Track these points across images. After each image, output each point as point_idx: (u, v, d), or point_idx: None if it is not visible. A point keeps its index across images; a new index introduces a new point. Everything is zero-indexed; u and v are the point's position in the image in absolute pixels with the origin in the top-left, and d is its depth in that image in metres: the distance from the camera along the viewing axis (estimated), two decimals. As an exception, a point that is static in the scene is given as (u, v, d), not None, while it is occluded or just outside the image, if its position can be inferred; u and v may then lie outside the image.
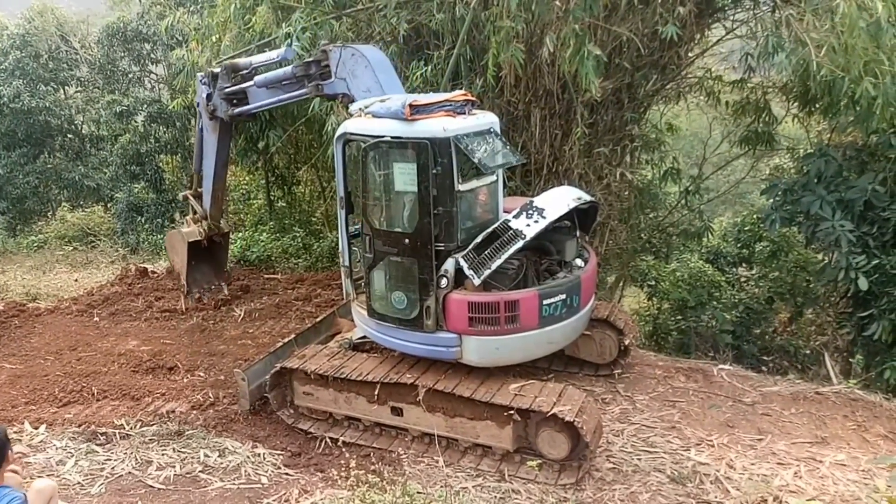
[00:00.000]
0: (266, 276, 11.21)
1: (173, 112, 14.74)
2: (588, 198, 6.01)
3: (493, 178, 5.86)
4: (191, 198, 9.49)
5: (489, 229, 5.49)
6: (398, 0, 7.98)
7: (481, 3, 7.09)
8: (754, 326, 10.31)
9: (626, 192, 9.66)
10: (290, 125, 11.03)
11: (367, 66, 6.41)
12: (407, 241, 5.56)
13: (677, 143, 12.80)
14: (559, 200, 5.71)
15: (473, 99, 5.90)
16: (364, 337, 6.50)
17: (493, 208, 5.98)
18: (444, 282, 5.46)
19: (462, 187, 5.49)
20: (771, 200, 8.03)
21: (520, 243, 5.28)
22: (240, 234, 12.76)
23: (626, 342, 6.57)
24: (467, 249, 5.45)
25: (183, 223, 9.51)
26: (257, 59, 7.77)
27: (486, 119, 5.82)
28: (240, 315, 9.25)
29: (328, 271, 11.12)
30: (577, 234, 6.25)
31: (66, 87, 17.86)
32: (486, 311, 5.38)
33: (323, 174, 13.34)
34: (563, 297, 5.57)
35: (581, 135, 7.94)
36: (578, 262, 6.06)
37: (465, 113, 5.66)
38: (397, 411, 5.82)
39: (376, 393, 5.81)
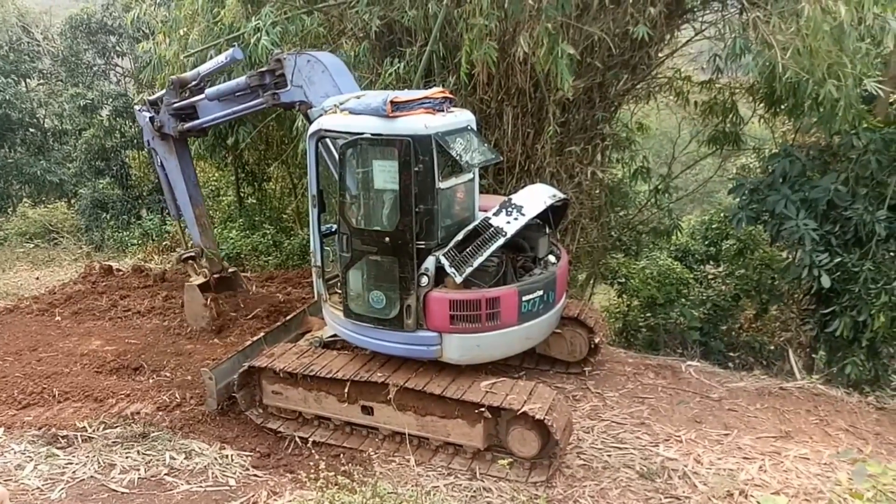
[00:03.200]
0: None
1: (139, 106, 14.41)
2: (561, 195, 6.04)
3: (470, 176, 5.88)
4: (187, 263, 8.70)
5: (470, 227, 5.49)
6: (370, -5, 7.91)
7: (454, 0, 7.07)
8: (721, 323, 10.50)
9: (597, 191, 9.73)
10: (259, 121, 10.86)
11: (323, 71, 6.33)
12: (387, 239, 5.50)
13: (647, 143, 12.94)
14: (536, 198, 5.73)
15: (451, 97, 5.89)
16: (335, 335, 6.43)
17: (470, 206, 5.99)
18: (424, 280, 5.45)
19: (442, 185, 5.48)
20: (737, 199, 8.17)
21: (501, 240, 5.29)
22: (208, 231, 12.51)
23: (597, 340, 6.62)
24: (448, 247, 5.44)
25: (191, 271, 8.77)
26: (205, 67, 7.50)
27: (464, 117, 5.82)
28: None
29: (299, 269, 11.01)
30: (548, 231, 6.27)
31: (28, 80, 17.38)
32: (467, 308, 5.39)
33: (294, 170, 13.19)
34: (541, 293, 5.64)
35: (553, 133, 7.97)
36: (551, 258, 6.13)
37: (443, 110, 5.65)
38: (368, 410, 5.77)
39: (346, 391, 5.74)
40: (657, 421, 6.01)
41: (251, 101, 6.93)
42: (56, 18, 16.88)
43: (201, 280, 8.49)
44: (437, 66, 7.99)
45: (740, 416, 6.11)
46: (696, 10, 8.69)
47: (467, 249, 5.33)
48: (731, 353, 9.79)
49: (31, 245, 14.67)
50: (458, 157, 5.34)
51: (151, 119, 7.95)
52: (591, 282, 11.86)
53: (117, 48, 16.07)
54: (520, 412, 5.08)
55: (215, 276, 8.59)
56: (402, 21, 7.90)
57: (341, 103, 5.80)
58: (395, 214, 5.46)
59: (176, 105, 7.55)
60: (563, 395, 5.89)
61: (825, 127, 7.33)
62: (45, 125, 17.80)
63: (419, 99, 5.53)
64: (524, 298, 5.52)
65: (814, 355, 8.20)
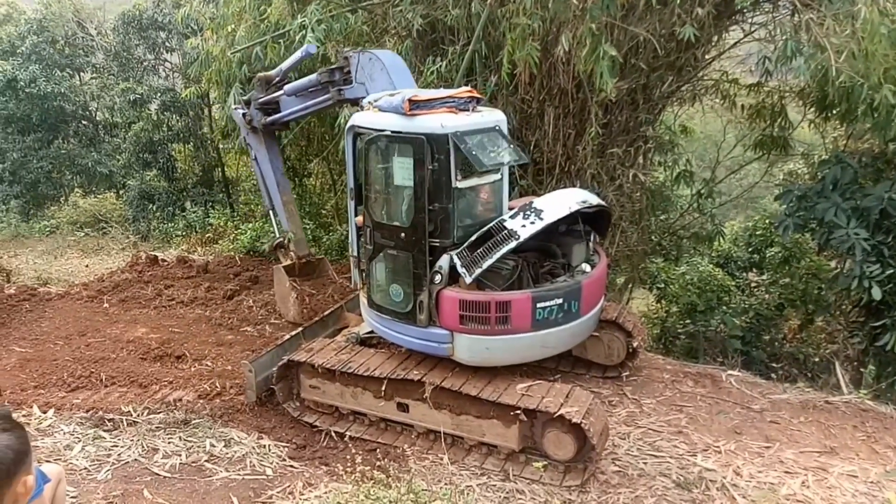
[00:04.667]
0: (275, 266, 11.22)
1: (186, 101, 14.79)
2: (596, 201, 5.90)
3: (497, 176, 5.77)
4: (278, 249, 9.16)
5: (485, 228, 5.47)
6: (414, -6, 7.96)
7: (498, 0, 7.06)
8: (764, 333, 10.23)
9: (638, 194, 9.60)
10: (301, 118, 11.02)
11: (382, 69, 6.43)
12: (403, 234, 5.60)
13: (691, 146, 12.72)
14: (561, 203, 5.62)
15: (479, 96, 5.84)
16: (371, 332, 6.50)
17: (497, 207, 5.89)
18: (437, 278, 5.49)
19: (460, 184, 5.47)
20: (784, 206, 7.95)
21: (513, 244, 5.23)
22: (250, 225, 12.78)
23: (635, 345, 6.53)
24: (462, 247, 5.46)
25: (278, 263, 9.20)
26: (285, 64, 7.80)
27: (492, 117, 5.76)
28: (248, 306, 9.27)
29: (337, 264, 11.12)
30: (591, 238, 6.16)
31: (82, 74, 18.00)
32: (477, 309, 5.37)
33: (334, 167, 13.35)
34: (560, 301, 5.47)
35: (595, 135, 7.88)
36: (585, 267, 5.96)
37: (468, 110, 5.63)
38: (403, 407, 5.81)
39: (383, 388, 5.80)
40: (695, 430, 5.90)
41: (321, 97, 7.14)
42: (109, 14, 17.39)
43: (287, 263, 8.84)
44: (479, 65, 7.98)
45: (783, 428, 5.95)
46: (745, 10, 8.46)
47: (479, 250, 5.33)
48: (774, 364, 9.52)
49: (82, 234, 15.19)
50: (471, 157, 5.28)
51: (244, 115, 8.35)
52: (630, 286, 11.72)
53: (167, 44, 16.48)
54: (556, 415, 5.05)
55: (301, 260, 8.91)
56: (445, 20, 7.92)
57: (376, 100, 5.89)
58: (411, 211, 5.54)
59: (261, 100, 7.88)
60: (599, 400, 5.83)
61: (879, 133, 7.09)
62: (97, 118, 18.39)
63: (442, 98, 5.56)
64: (539, 305, 5.37)
65: (862, 369, 7.94)
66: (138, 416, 6.12)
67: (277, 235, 9.22)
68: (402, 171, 5.52)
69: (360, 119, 5.87)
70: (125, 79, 16.64)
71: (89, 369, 7.14)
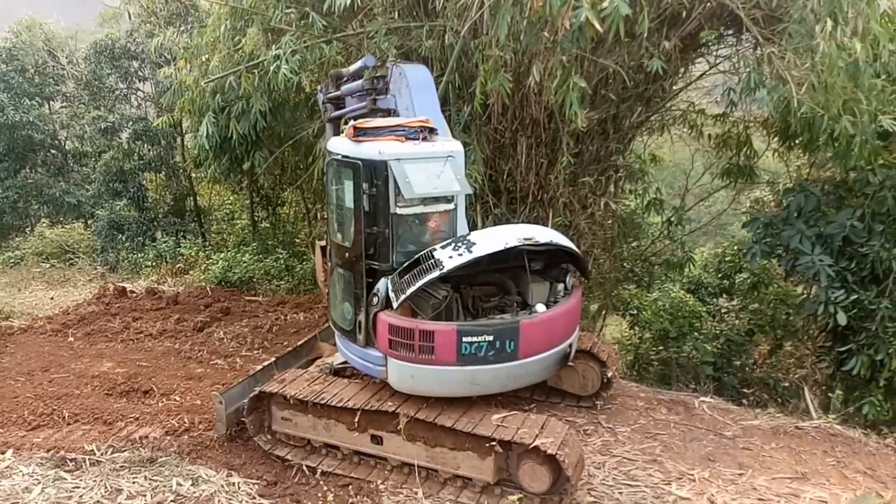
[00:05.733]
0: (247, 297, 11.10)
1: (159, 130, 14.66)
2: (546, 239, 5.74)
3: (450, 205, 5.82)
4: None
5: (416, 256, 5.52)
6: (388, 26, 8.06)
7: (471, 31, 7.17)
8: (735, 358, 10.35)
9: (610, 222, 9.72)
10: (276, 146, 11.01)
11: (407, 86, 6.51)
12: (347, 254, 5.84)
13: (660, 174, 12.97)
14: (498, 237, 5.57)
15: (431, 126, 5.93)
16: (345, 362, 6.42)
17: (450, 235, 5.85)
18: (375, 300, 5.61)
19: (400, 210, 5.56)
20: (751, 233, 8.12)
21: (436, 273, 5.25)
22: (221, 255, 12.64)
23: (609, 375, 6.55)
24: (396, 272, 5.54)
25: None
26: (350, 68, 7.81)
27: (446, 147, 5.81)
28: (219, 338, 9.11)
29: (311, 293, 11.03)
30: (567, 278, 6.10)
31: (52, 102, 17.76)
32: (402, 335, 5.41)
33: (308, 196, 13.32)
34: (490, 338, 5.34)
35: (566, 164, 8.00)
36: (540, 307, 5.79)
37: (417, 139, 5.72)
38: (377, 440, 5.72)
39: (357, 420, 5.70)
40: (670, 458, 5.90)
41: (362, 102, 7.16)
42: (81, 43, 17.27)
43: (324, 243, 8.66)
44: (453, 95, 8.07)
45: (755, 455, 5.98)
46: (710, 44, 8.72)
47: (405, 277, 5.40)
48: (745, 390, 9.63)
49: (47, 265, 14.84)
50: (401, 185, 5.37)
51: (324, 102, 8.22)
52: (604, 313, 11.79)
53: (139, 73, 16.37)
54: (531, 446, 5.01)
55: None
56: (420, 51, 8.01)
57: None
58: (353, 233, 5.70)
59: (330, 95, 7.91)
60: (574, 430, 5.80)
61: (840, 162, 7.30)
62: (66, 147, 18.12)
63: (391, 126, 5.76)
64: (465, 340, 5.29)
65: (830, 394, 8.05)
66: (102, 454, 5.92)
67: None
68: (349, 193, 5.73)
69: (330, 143, 6.16)
70: (96, 107, 16.45)
71: (51, 406, 6.91)
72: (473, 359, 5.36)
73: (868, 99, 6.49)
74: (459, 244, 5.42)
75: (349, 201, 5.72)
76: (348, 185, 5.70)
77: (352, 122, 5.83)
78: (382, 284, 5.59)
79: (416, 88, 6.47)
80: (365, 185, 5.48)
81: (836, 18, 5.97)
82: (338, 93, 7.83)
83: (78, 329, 9.45)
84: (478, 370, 5.40)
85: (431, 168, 5.57)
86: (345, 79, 7.79)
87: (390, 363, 5.56)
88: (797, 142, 8.25)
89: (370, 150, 5.55)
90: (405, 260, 5.59)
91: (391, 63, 6.88)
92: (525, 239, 5.57)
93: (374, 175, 5.47)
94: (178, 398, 7.31)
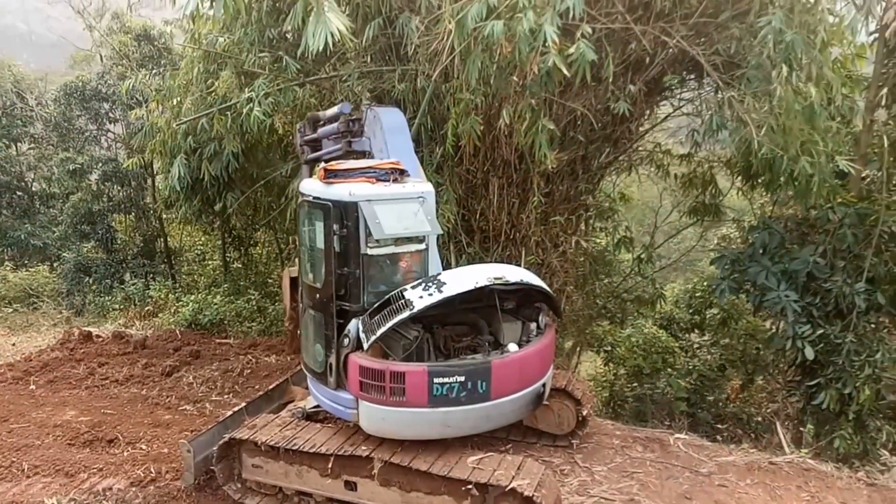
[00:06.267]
0: (218, 340, 10.90)
1: (129, 171, 14.54)
2: (517, 278, 5.78)
3: (421, 245, 5.85)
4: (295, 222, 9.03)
5: (386, 296, 5.51)
6: (361, 70, 8.19)
7: (442, 75, 7.33)
8: (708, 394, 10.44)
9: (582, 259, 9.85)
10: (249, 187, 10.99)
11: (381, 129, 6.61)
12: (318, 295, 5.80)
13: (630, 212, 13.23)
14: (469, 277, 5.61)
15: (401, 168, 6.01)
16: (318, 406, 6.31)
17: (422, 275, 5.85)
18: (346, 341, 5.57)
19: (370, 251, 5.59)
20: (719, 270, 8.29)
21: (406, 313, 5.25)
22: (192, 297, 12.42)
23: (585, 413, 6.54)
24: (367, 313, 5.52)
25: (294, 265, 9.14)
26: (327, 112, 7.84)
27: (417, 188, 5.86)
28: (188, 382, 8.89)
29: (283, 336, 10.87)
30: (540, 317, 6.14)
31: (19, 144, 17.51)
32: (373, 377, 5.37)
33: (281, 235, 13.26)
34: (462, 379, 5.33)
35: (537, 203, 8.14)
36: (512, 347, 5.83)
37: (388, 180, 5.79)
38: (351, 486, 5.59)
39: (330, 466, 5.58)
40: (647, 497, 5.87)
41: (338, 146, 7.18)
42: (51, 85, 17.17)
43: (295, 273, 8.48)
44: (425, 137, 8.19)
45: (730, 492, 5.98)
46: (673, 88, 9.06)
47: (376, 317, 5.39)
48: (720, 425, 9.69)
49: (10, 310, 14.41)
50: (371, 226, 5.40)
51: (301, 144, 8.22)
52: (578, 350, 11.84)
53: (110, 114, 16.29)
54: (508, 488, 4.94)
55: None
56: (392, 93, 8.15)
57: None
58: (324, 273, 5.69)
59: (306, 138, 7.92)
60: (550, 470, 5.75)
61: (801, 201, 7.54)
62: (33, 189, 17.83)
63: (362, 168, 5.83)
64: (437, 381, 5.28)
65: (802, 428, 8.14)
66: (63, 508, 5.68)
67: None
68: (320, 235, 5.74)
69: (302, 184, 6.20)
70: (65, 149, 16.27)
71: (10, 458, 6.63)
72: (445, 400, 5.32)
73: (824, 140, 6.77)
74: (430, 284, 5.44)
75: (320, 242, 5.73)
76: (319, 227, 5.71)
77: (323, 164, 5.87)
78: (353, 326, 5.57)
79: (389, 131, 6.57)
80: (335, 226, 5.52)
81: (791, 65, 6.25)
82: (315, 135, 7.92)
83: (40, 376, 9.14)
84: (450, 412, 5.36)
85: (402, 209, 5.63)
86: (322, 122, 7.90)
87: (361, 406, 5.50)
88: (759, 181, 8.51)
89: (340, 191, 5.60)
90: (376, 300, 5.57)
91: (366, 106, 6.98)
92: (496, 278, 5.60)
93: (345, 216, 5.52)
94: (144, 447, 7.08)
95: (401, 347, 5.44)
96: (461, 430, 5.58)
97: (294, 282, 8.62)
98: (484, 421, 5.64)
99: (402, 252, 5.81)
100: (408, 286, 5.49)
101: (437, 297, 5.33)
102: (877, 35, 7.61)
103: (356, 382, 5.46)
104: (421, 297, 5.32)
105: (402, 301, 5.33)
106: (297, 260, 9.05)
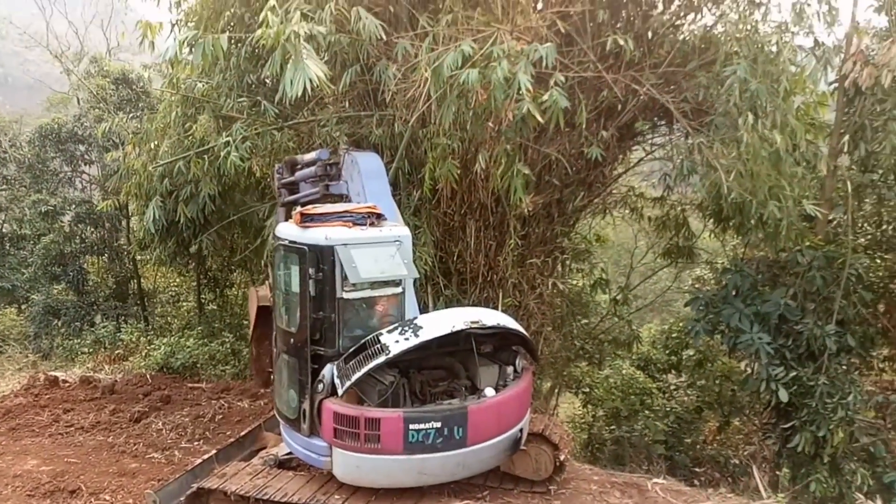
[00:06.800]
0: (190, 384, 10.64)
1: (103, 212, 14.38)
2: (493, 322, 5.79)
3: (398, 289, 5.85)
4: (269, 266, 8.95)
5: (362, 341, 5.46)
6: (339, 115, 8.29)
7: (419, 121, 7.46)
8: (685, 436, 10.41)
9: (559, 301, 9.90)
10: (225, 229, 10.92)
11: (358, 173, 6.68)
12: (292, 340, 5.74)
13: (606, 253, 13.40)
14: (444, 321, 5.60)
15: (378, 212, 6.05)
16: (290, 453, 6.17)
17: (399, 318, 5.86)
18: (320, 387, 5.48)
19: (346, 295, 5.57)
20: (694, 311, 8.38)
21: (382, 358, 5.21)
22: (164, 340, 12.17)
23: (562, 458, 6.46)
24: (342, 358, 5.45)
25: (264, 286, 9.00)
26: (305, 157, 7.86)
27: (393, 232, 5.89)
28: (157, 429, 8.64)
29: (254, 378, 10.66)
30: (517, 360, 6.12)
31: (-9, 185, 17.25)
32: (347, 424, 5.31)
33: (257, 277, 13.10)
34: (438, 425, 5.28)
35: (514, 246, 8.20)
36: (489, 391, 5.79)
37: (364, 224, 5.81)
38: (323, 537, 5.43)
39: (302, 516, 5.43)
40: (626, 544, 5.78)
41: (315, 189, 7.19)
42: (26, 127, 17.04)
43: (266, 303, 8.03)
44: (403, 180, 8.26)
45: (710, 538, 5.93)
46: (645, 133, 9.30)
47: (351, 363, 5.33)
48: (697, 469, 9.63)
49: (-26, 353, 13.98)
50: (348, 269, 5.39)
51: (279, 186, 8.18)
52: (556, 391, 11.78)
53: (86, 156, 16.15)
54: (483, 538, 4.84)
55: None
56: (370, 138, 8.24)
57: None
58: (298, 318, 5.64)
59: (283, 181, 7.92)
60: (528, 518, 5.65)
61: (771, 244, 7.72)
62: (3, 230, 17.51)
63: (338, 212, 5.85)
64: (412, 427, 5.23)
65: (777, 472, 8.13)
66: (19, 564, 5.42)
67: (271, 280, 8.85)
68: (295, 278, 5.71)
69: (278, 228, 6.19)
70: (38, 190, 16.06)
71: (-34, 511, 6.35)
72: (421, 447, 5.25)
73: (791, 185, 6.98)
74: (406, 328, 5.41)
75: (295, 286, 5.69)
76: (295, 270, 5.69)
77: (299, 209, 5.89)
78: (328, 371, 5.50)
79: (367, 176, 6.65)
80: (311, 270, 5.49)
81: (756, 112, 6.49)
82: (292, 178, 7.95)
83: (2, 424, 8.82)
84: (426, 459, 5.29)
85: (378, 253, 5.63)
86: (299, 166, 7.94)
87: (335, 453, 5.39)
88: (730, 224, 8.66)
89: (317, 235, 5.61)
90: (352, 345, 5.52)
91: (343, 150, 7.05)
92: (472, 322, 5.58)
93: (321, 260, 5.51)
94: (107, 497, 6.84)
95: (376, 393, 5.37)
96: (437, 478, 5.49)
97: (263, 309, 8.42)
98: (460, 468, 5.55)
99: (379, 296, 5.80)
100: (383, 330, 5.45)
101: (413, 341, 5.30)
102: (836, 84, 7.94)
103: (330, 429, 5.36)
104: (397, 341, 5.29)
105: (378, 346, 5.29)
106: (266, 281, 9.05)
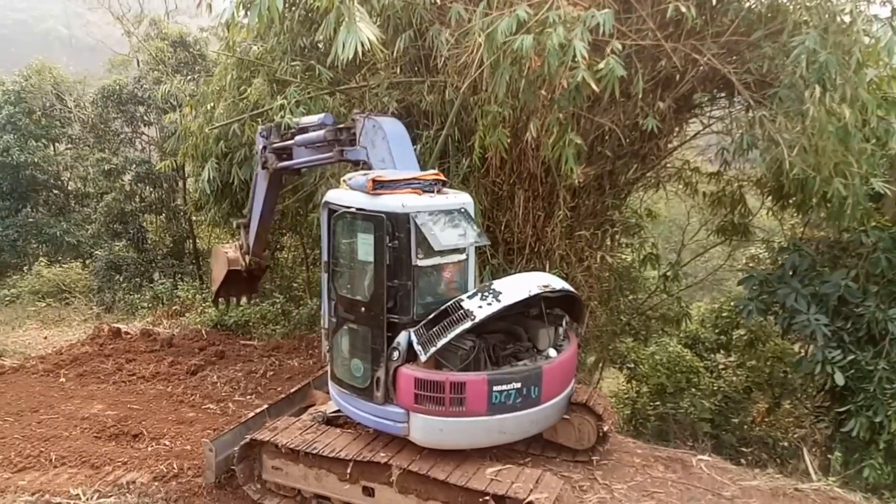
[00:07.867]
0: (242, 341, 11.04)
1: (161, 173, 14.86)
2: (560, 286, 5.87)
3: (462, 256, 5.85)
4: (242, 228, 9.38)
5: (443, 307, 5.47)
6: (390, 80, 8.29)
7: (470, 88, 7.40)
8: (732, 416, 10.25)
9: (607, 275, 9.78)
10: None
11: (383, 138, 6.59)
12: (363, 309, 5.67)
13: (656, 229, 13.11)
14: (521, 286, 5.63)
15: (443, 178, 6.04)
16: (338, 410, 6.35)
17: (462, 286, 5.92)
18: (395, 354, 5.47)
19: (420, 262, 5.54)
20: (747, 290, 8.17)
21: (468, 324, 5.23)
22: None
23: (605, 429, 6.47)
24: (420, 324, 5.46)
25: (231, 245, 9.74)
26: (304, 119, 7.93)
27: (458, 199, 5.90)
28: (213, 382, 9.02)
29: (306, 339, 10.98)
30: (564, 322, 6.18)
31: (57, 144, 18.00)
32: (432, 389, 5.32)
33: (307, 241, 13.40)
34: (518, 385, 5.40)
35: (563, 217, 8.11)
36: (551, 351, 5.90)
37: (432, 191, 5.80)
38: (369, 491, 5.61)
39: (348, 471, 5.61)
40: (666, 518, 5.79)
41: (326, 154, 7.24)
42: (89, 88, 17.62)
43: (236, 267, 9.27)
44: (452, 148, 8.24)
45: (753, 517, 5.87)
46: (703, 105, 8.99)
47: (434, 329, 5.33)
48: (744, 449, 9.48)
49: (43, 304, 14.76)
50: (429, 237, 5.38)
51: (264, 147, 8.29)
52: (600, 366, 11.73)
53: (145, 118, 16.68)
54: (525, 502, 4.92)
55: (244, 269, 9.33)
56: (420, 105, 8.23)
57: (350, 178, 6.04)
58: (371, 286, 5.60)
59: (276, 145, 7.95)
60: (569, 486, 5.71)
61: (834, 223, 7.43)
62: (69, 188, 18.30)
63: (407, 179, 5.76)
64: (496, 389, 5.31)
65: (829, 455, 7.94)
66: (87, 499, 5.81)
67: (242, 242, 9.37)
68: (365, 246, 5.65)
69: (333, 195, 6.06)
70: (100, 150, 16.69)
71: (39, 448, 6.80)
72: (503, 407, 5.36)
73: (858, 162, 6.65)
74: (486, 293, 5.44)
75: (365, 255, 5.63)
76: (365, 239, 5.61)
77: (371, 175, 5.73)
78: (403, 338, 5.47)
79: (393, 141, 6.56)
80: (387, 238, 5.43)
81: (824, 85, 6.18)
82: (288, 143, 7.84)
83: (70, 370, 9.35)
84: (506, 418, 5.42)
85: (448, 220, 5.64)
86: (292, 130, 7.84)
87: (415, 418, 5.42)
88: (791, 202, 8.37)
89: (393, 202, 5.50)
90: (425, 312, 5.54)
91: (361, 115, 6.98)
92: (543, 286, 5.66)
93: (397, 228, 5.44)
94: (167, 443, 7.20)
95: (457, 357, 5.41)
96: (513, 437, 5.69)
97: (233, 273, 9.29)
98: (532, 426, 5.75)
99: (448, 263, 5.81)
100: (463, 297, 5.48)
101: (496, 306, 5.33)
102: (915, 57, 7.48)
103: (410, 395, 5.38)
104: (480, 306, 5.32)
105: (462, 311, 5.30)
106: (232, 239, 9.41)
